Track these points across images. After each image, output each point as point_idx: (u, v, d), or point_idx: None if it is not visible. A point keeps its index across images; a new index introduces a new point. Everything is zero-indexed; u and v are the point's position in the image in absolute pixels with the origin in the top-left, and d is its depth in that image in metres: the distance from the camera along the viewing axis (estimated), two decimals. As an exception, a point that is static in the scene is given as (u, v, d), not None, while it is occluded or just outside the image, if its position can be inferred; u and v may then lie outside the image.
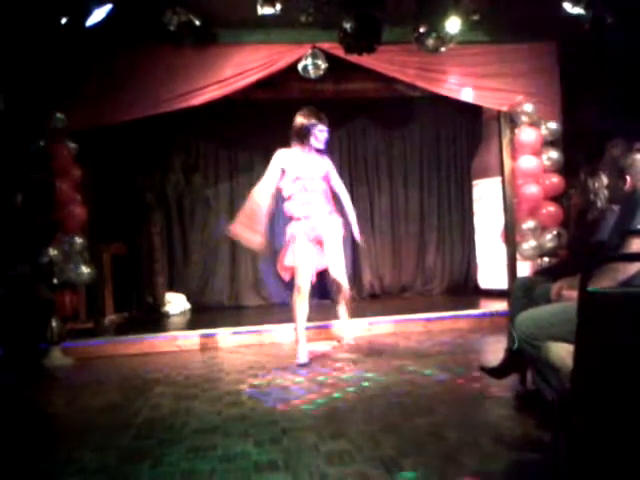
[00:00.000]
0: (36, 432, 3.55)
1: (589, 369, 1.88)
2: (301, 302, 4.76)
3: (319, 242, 4.82)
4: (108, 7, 4.90)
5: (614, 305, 1.84)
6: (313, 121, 4.77)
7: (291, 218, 4.85)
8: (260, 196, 4.77)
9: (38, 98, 5.59)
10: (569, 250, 4.78)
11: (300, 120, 4.78)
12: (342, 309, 5.05)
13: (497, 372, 3.65)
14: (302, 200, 4.77)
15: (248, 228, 4.73)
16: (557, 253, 6.11)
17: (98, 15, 4.95)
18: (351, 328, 5.20)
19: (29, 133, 5.61)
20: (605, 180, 3.50)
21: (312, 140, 4.78)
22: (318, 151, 4.86)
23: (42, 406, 4.20)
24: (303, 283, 4.73)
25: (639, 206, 2.56)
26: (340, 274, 4.83)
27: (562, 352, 2.29)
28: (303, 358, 4.78)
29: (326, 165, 4.91)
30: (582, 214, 3.84)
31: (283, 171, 4.80)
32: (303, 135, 4.78)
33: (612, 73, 6.12)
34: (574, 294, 1.97)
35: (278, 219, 6.08)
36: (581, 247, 3.70)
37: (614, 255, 2.57)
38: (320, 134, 4.80)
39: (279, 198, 4.94)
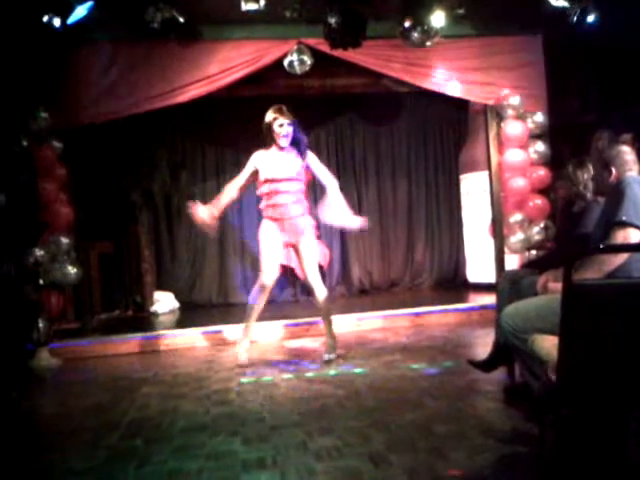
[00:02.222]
0: (23, 433, 3.52)
1: (574, 361, 1.88)
2: (260, 301, 4.73)
3: (289, 245, 4.71)
4: (89, 4, 4.86)
5: (597, 297, 1.84)
6: (273, 115, 4.63)
7: (264, 217, 4.78)
8: (228, 189, 4.76)
9: (21, 97, 5.54)
10: (556, 242, 4.79)
11: (265, 118, 4.68)
12: (323, 320, 4.85)
13: (485, 365, 3.67)
14: (272, 202, 4.66)
15: (207, 211, 4.68)
16: (544, 246, 6.13)
17: (80, 12, 4.91)
18: (330, 345, 4.72)
19: (12, 133, 5.56)
20: (592, 172, 3.50)
21: (275, 137, 4.63)
22: (297, 150, 4.70)
23: (29, 407, 4.17)
24: (267, 281, 4.65)
25: (624, 197, 2.56)
26: (314, 279, 4.68)
27: (548, 344, 2.29)
28: (243, 358, 4.75)
29: (301, 163, 4.70)
30: (568, 206, 3.84)
31: (257, 171, 4.70)
32: (267, 132, 4.67)
33: (596, 65, 6.14)
34: (560, 286, 1.97)
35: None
36: (567, 239, 3.70)
37: (599, 247, 2.57)
38: (279, 129, 4.61)
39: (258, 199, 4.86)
